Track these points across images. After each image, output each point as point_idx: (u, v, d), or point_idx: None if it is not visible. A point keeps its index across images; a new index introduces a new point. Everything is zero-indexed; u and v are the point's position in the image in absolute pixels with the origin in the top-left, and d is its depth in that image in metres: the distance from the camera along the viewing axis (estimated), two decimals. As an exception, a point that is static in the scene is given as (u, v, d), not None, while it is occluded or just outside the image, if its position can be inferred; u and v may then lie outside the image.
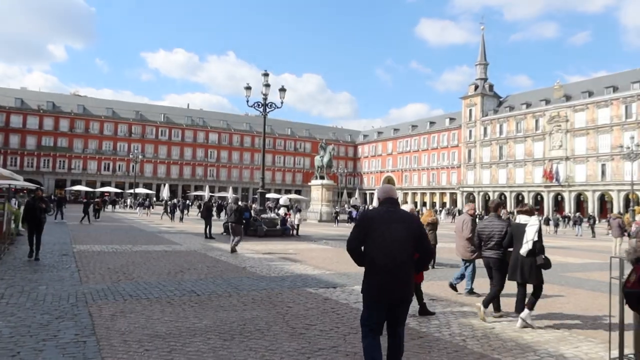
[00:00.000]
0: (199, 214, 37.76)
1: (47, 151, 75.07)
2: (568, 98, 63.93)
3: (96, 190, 68.56)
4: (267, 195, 65.02)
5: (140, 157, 65.33)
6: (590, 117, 60.31)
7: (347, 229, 30.66)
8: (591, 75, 69.83)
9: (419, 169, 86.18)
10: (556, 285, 10.01)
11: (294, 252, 15.15)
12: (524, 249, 6.42)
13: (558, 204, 63.92)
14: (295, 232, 23.08)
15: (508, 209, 64.41)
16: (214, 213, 29.86)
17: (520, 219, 6.77)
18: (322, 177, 42.32)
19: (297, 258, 13.38)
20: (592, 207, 58.57)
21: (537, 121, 66.90)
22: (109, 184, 75.57)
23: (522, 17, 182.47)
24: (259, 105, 23.14)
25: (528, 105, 69.08)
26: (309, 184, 45.98)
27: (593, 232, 32.04)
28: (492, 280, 7.13)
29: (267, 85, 22.95)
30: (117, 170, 79.66)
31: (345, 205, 50.93)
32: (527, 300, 6.54)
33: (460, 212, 46.85)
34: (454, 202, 77.40)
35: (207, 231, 19.67)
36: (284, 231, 22.39)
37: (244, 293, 8.05)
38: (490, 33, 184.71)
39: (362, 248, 3.91)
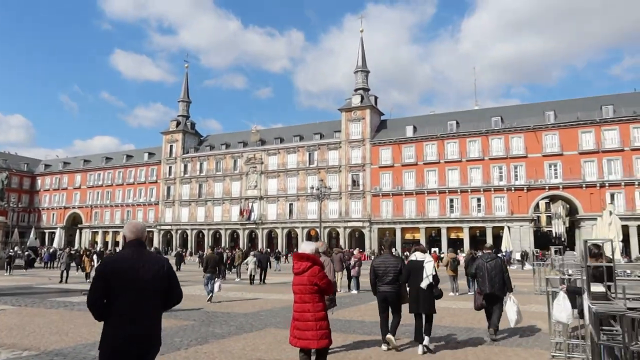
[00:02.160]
0: None
1: None
2: (263, 142, 69.28)
3: None
4: None
5: None
6: (282, 160, 66.59)
7: (26, 278, 24.30)
8: (270, 126, 78.11)
9: (112, 205, 78.88)
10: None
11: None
12: (425, 283, 7.22)
13: (252, 240, 67.50)
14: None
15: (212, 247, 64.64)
16: None
17: (417, 255, 7.53)
18: (-11, 213, 33.79)
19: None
20: (282, 242, 63.91)
21: (235, 161, 70.04)
22: None
23: (216, 65, 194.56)
24: None
25: (227, 145, 71.87)
26: (-32, 220, 36.06)
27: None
28: (384, 312, 7.53)
29: None
30: None
31: (16, 248, 41.42)
32: (423, 329, 7.34)
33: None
34: (150, 241, 73.32)
35: None
36: None
37: None
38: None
39: (105, 300, 3.49)
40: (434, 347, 7.37)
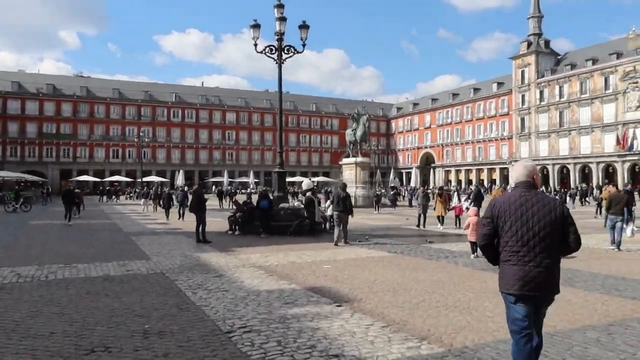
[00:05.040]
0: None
1: (50, 139, 68.16)
2: (647, 48, 53.28)
3: (104, 180, 62.00)
4: (291, 179, 56.85)
5: (146, 139, 57.93)
6: (678, 68, 49.74)
7: (393, 217, 22.85)
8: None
9: (462, 143, 76.39)
10: None
11: (330, 268, 7.59)
12: None
13: (635, 175, 53.81)
14: (326, 226, 14.69)
15: (575, 184, 54.78)
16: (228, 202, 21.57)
17: None
18: (354, 155, 34.61)
19: (341, 289, 6.11)
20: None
21: (606, 79, 56.42)
22: (118, 172, 68.46)
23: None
24: (271, 50, 15.05)
25: (594, 61, 58.48)
26: (340, 163, 38.54)
27: None
28: None
29: (282, 19, 14.82)
30: (127, 157, 72.37)
31: (376, 187, 42.30)
32: None
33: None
34: (505, 178, 67.63)
35: (199, 232, 12.33)
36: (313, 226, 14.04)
37: None
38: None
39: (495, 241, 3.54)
40: None
